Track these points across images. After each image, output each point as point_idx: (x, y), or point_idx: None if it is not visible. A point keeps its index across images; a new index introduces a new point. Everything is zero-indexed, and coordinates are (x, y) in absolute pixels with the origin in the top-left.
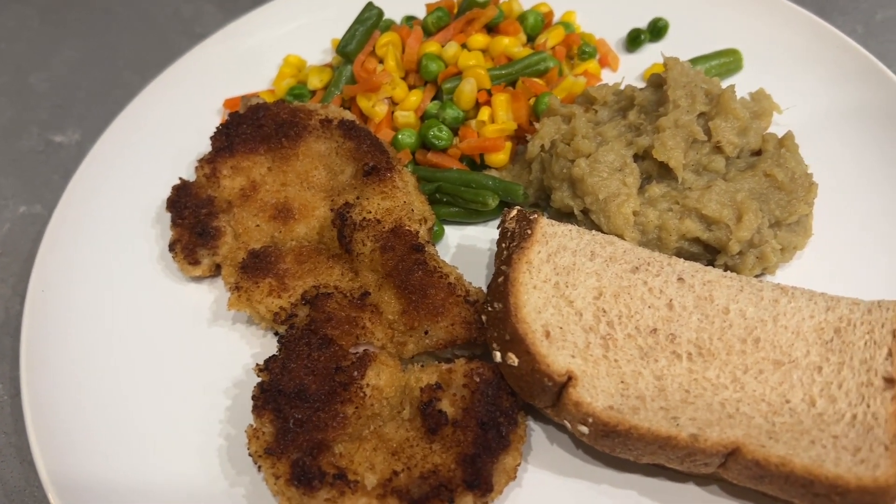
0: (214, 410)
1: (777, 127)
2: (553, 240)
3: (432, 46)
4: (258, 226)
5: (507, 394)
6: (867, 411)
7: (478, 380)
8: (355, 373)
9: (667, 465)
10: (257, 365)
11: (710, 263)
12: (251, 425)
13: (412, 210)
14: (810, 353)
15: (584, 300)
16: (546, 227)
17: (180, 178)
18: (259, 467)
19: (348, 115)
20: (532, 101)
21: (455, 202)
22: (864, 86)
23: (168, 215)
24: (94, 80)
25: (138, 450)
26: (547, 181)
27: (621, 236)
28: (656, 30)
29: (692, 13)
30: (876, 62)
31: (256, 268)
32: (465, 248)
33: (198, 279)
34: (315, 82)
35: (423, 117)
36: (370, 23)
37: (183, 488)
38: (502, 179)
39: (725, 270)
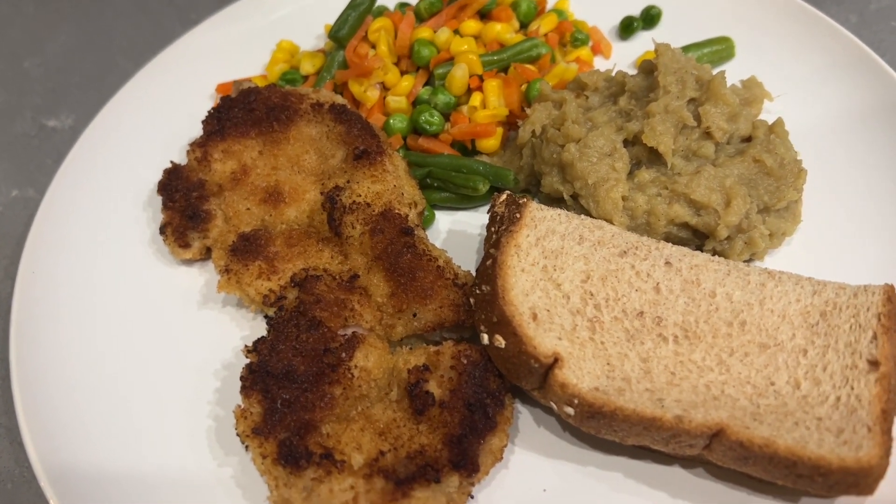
0: (203, 392)
1: (768, 115)
2: (542, 224)
3: (424, 32)
4: (248, 209)
5: (495, 376)
6: (851, 393)
7: (465, 362)
8: (343, 354)
9: (652, 446)
10: (246, 346)
11: (699, 248)
12: (239, 406)
13: (402, 194)
14: (796, 336)
15: (572, 283)
16: (535, 211)
17: (171, 162)
18: (247, 447)
19: (339, 100)
20: (524, 87)
21: (446, 187)
22: (856, 75)
23: (159, 199)
24: (88, 65)
25: (127, 431)
26: (537, 166)
27: (610, 221)
28: (649, 18)
29: (685, 1)
30: (868, 51)
31: (246, 251)
32: (456, 233)
33: (188, 262)
34: (307, 67)
35: (415, 102)
36: (363, 8)
37: (171, 469)
38: (493, 165)
39: (714, 255)
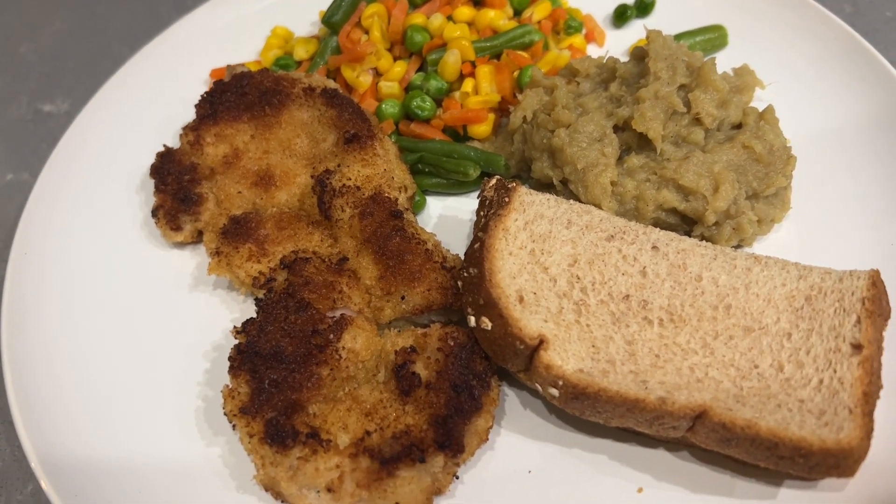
0: (193, 373)
1: (761, 102)
2: (530, 208)
3: (418, 18)
4: (240, 192)
5: (481, 358)
6: (833, 376)
7: (452, 343)
8: (331, 336)
9: (636, 428)
10: (235, 327)
11: (688, 234)
12: (227, 386)
13: (392, 178)
14: (780, 320)
15: (559, 267)
16: (524, 195)
17: (164, 146)
18: (234, 426)
19: (331, 84)
20: (516, 73)
21: (437, 172)
22: (849, 64)
23: (152, 182)
24: (83, 50)
25: (117, 410)
26: (528, 152)
27: (599, 206)
28: (643, 6)
29: None
30: (860, 39)
31: (237, 233)
32: (447, 217)
33: (180, 245)
34: (301, 53)
35: (408, 88)
36: None
37: (160, 448)
38: (484, 150)
39: (702, 241)
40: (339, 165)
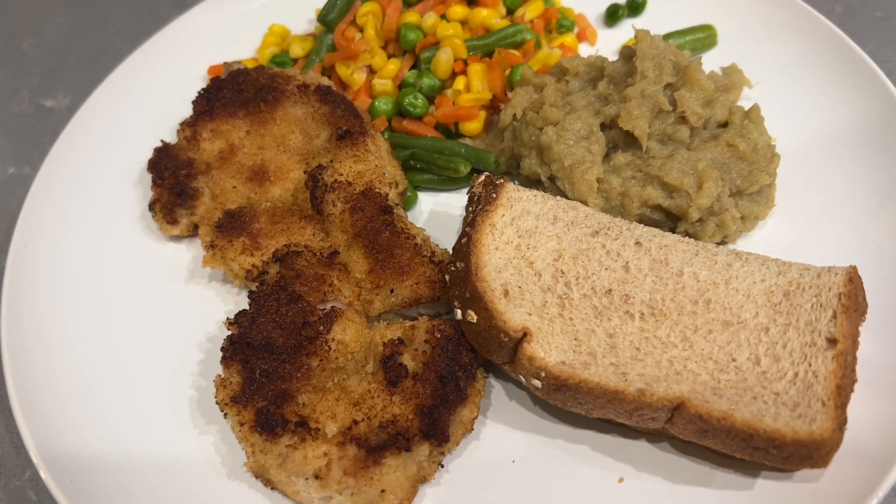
0: (187, 363)
1: (748, 101)
2: (518, 204)
3: (411, 16)
4: (235, 187)
5: (467, 350)
6: (808, 370)
7: (439, 336)
8: (321, 328)
9: (616, 419)
10: (228, 319)
11: (672, 230)
12: (219, 375)
13: (383, 174)
14: (759, 314)
15: (544, 261)
16: (511, 192)
17: (161, 141)
18: (225, 415)
19: (325, 81)
20: (508, 71)
21: (429, 169)
22: (837, 64)
23: (150, 176)
24: (84, 46)
25: (114, 399)
26: (517, 149)
27: (585, 202)
28: (634, 5)
29: None
30: (847, 40)
31: (231, 227)
32: (438, 213)
33: (176, 238)
34: (297, 50)
35: (401, 85)
36: None
37: (154, 435)
38: (475, 147)
39: (685, 237)
40: (331, 161)
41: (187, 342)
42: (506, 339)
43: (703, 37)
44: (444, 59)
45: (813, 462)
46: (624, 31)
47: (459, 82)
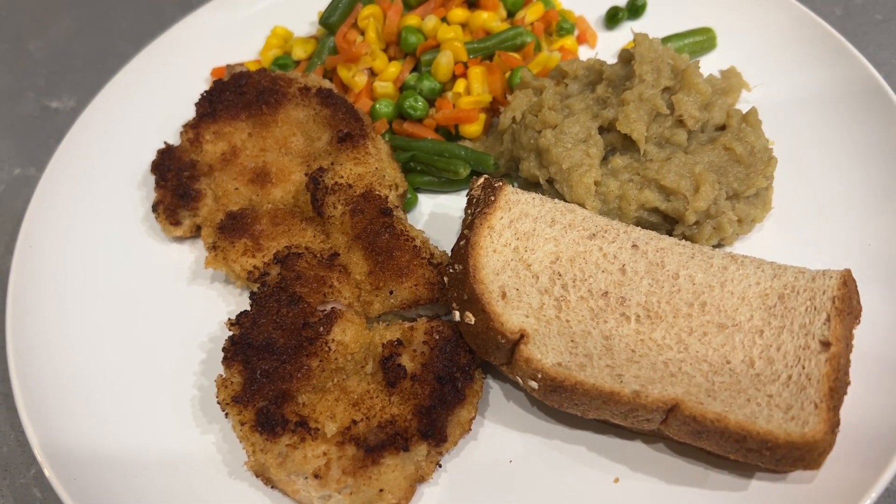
0: (189, 363)
1: (747, 105)
2: (516, 207)
3: (412, 19)
4: (237, 189)
5: (465, 351)
6: (802, 372)
7: (437, 337)
8: (322, 329)
9: (611, 420)
10: (229, 319)
11: (669, 233)
12: (221, 375)
13: (383, 176)
14: (753, 317)
15: (542, 264)
16: (510, 194)
17: (165, 143)
18: (226, 415)
19: (326, 84)
20: (507, 74)
21: (429, 171)
22: (835, 67)
23: (153, 178)
24: (89, 48)
25: (117, 398)
26: (516, 152)
27: (583, 205)
28: (635, 8)
29: None
30: (846, 44)
31: (233, 228)
32: (437, 215)
33: (179, 240)
34: (299, 53)
35: (402, 88)
36: None
37: (156, 434)
38: (474, 150)
39: (682, 240)
40: (332, 163)
41: (189, 342)
42: (503, 341)
43: (702, 39)
44: (444, 62)
45: (806, 464)
46: (624, 34)
47: (460, 85)
